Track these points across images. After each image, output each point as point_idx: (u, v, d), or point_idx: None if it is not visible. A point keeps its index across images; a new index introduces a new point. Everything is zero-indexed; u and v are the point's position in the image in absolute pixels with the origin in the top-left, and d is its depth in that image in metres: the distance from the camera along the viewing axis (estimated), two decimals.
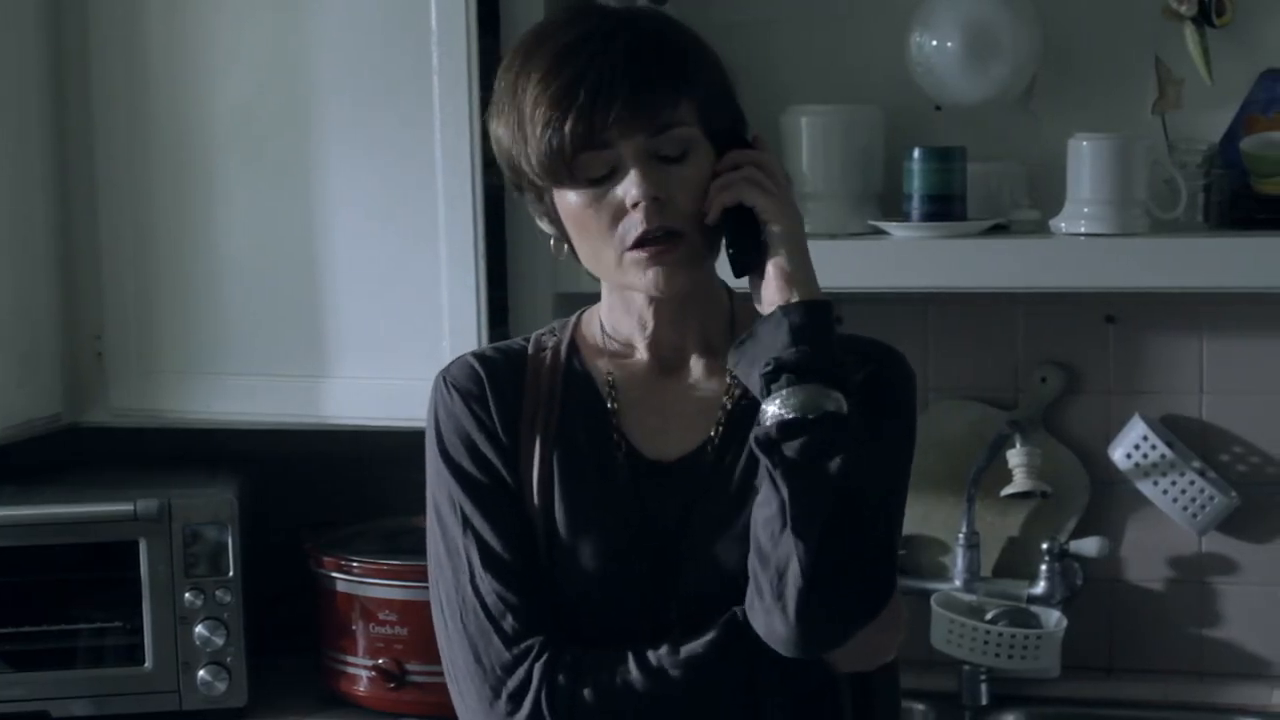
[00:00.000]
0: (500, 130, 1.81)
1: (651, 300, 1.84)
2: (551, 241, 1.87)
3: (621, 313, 1.89)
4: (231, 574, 2.77)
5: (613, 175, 1.77)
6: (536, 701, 1.78)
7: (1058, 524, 2.92)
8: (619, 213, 1.77)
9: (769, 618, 1.73)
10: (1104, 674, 2.93)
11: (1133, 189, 2.66)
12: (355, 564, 2.80)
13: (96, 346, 2.91)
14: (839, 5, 2.93)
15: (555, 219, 1.84)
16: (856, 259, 2.73)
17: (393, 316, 2.74)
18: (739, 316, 1.89)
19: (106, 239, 2.87)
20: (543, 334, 1.95)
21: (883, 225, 2.76)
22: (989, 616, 2.83)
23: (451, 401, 1.89)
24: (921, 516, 2.98)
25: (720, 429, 1.85)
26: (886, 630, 1.80)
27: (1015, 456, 2.85)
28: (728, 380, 1.85)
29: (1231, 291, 2.74)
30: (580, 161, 1.75)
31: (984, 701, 2.88)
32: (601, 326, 1.92)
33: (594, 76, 1.73)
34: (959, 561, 2.90)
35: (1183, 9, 2.71)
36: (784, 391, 1.70)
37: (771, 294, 1.77)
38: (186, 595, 2.75)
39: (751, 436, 1.73)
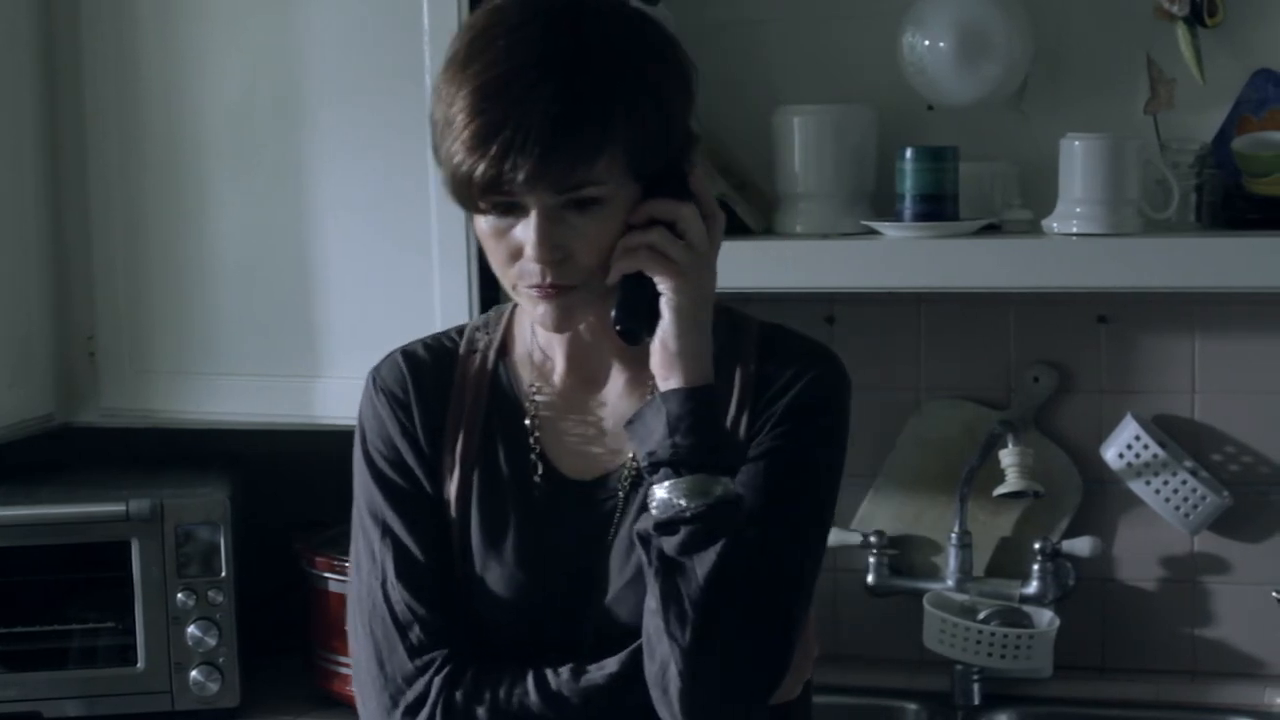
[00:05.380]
0: (435, 115, 1.74)
1: None
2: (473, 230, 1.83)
3: None
4: (224, 574, 2.77)
5: (517, 211, 1.72)
6: (431, 716, 1.78)
7: (1050, 524, 2.92)
8: (518, 252, 1.73)
9: (659, 707, 1.71)
10: (1096, 674, 2.93)
11: (1125, 189, 2.66)
12: (347, 564, 2.79)
13: (89, 347, 2.91)
14: (831, 5, 2.93)
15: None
16: (848, 259, 2.73)
17: (385, 316, 2.74)
18: None
19: (99, 240, 2.87)
20: (477, 328, 1.91)
21: (875, 225, 2.76)
22: (981, 616, 2.83)
23: (377, 403, 1.87)
24: (914, 516, 2.98)
25: (635, 455, 1.79)
26: (795, 671, 1.78)
27: (1007, 456, 2.85)
28: (648, 396, 1.80)
29: (1224, 291, 2.74)
30: (485, 198, 1.71)
31: (976, 701, 2.88)
32: (532, 327, 1.88)
33: (510, 129, 1.65)
34: (951, 561, 2.90)
35: (1174, 9, 2.71)
36: (666, 484, 1.69)
37: (655, 371, 1.74)
38: (179, 595, 2.75)
39: (634, 530, 1.72)
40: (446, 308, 2.68)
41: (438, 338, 1.92)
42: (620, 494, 1.82)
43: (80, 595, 2.80)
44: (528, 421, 1.85)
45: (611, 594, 1.79)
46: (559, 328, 1.77)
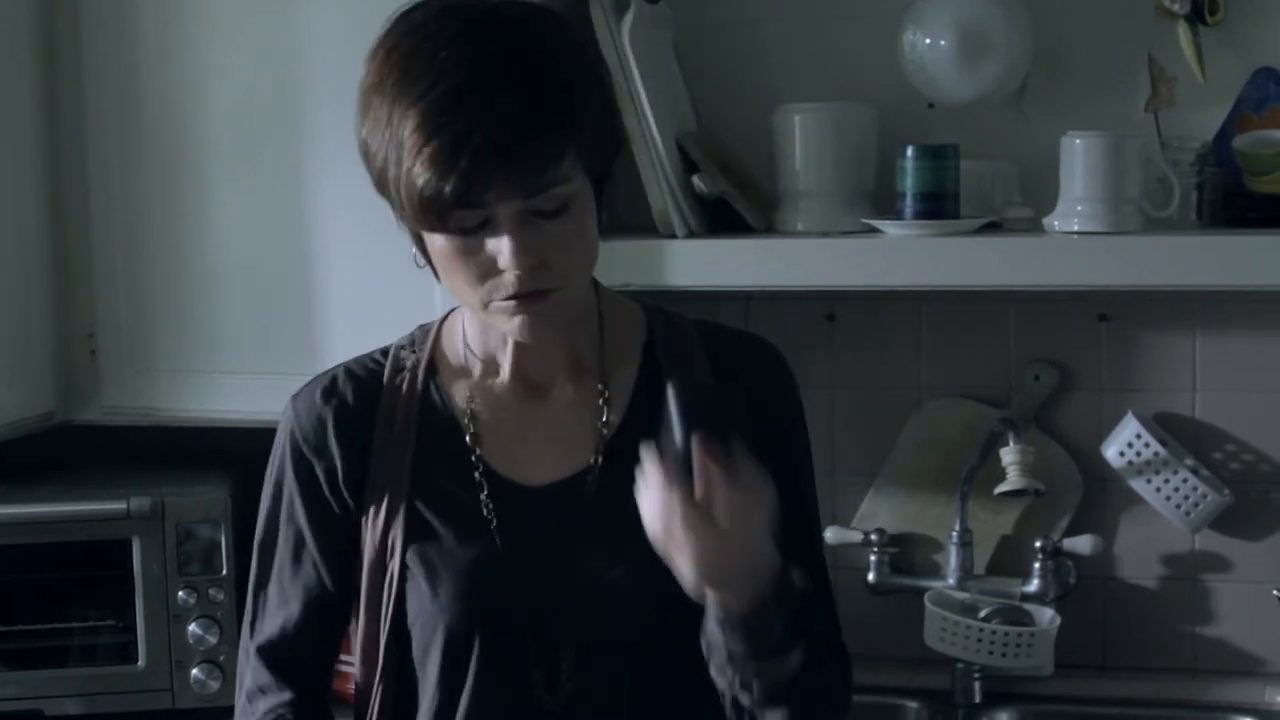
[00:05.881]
0: (372, 144, 1.72)
1: None
2: (414, 253, 1.80)
3: (484, 328, 1.83)
4: (224, 572, 2.77)
5: (485, 226, 1.68)
6: None
7: (1051, 522, 2.92)
8: (489, 268, 1.70)
9: None
10: (1097, 672, 2.93)
11: (1125, 187, 2.66)
12: None
13: (89, 345, 2.91)
14: (832, 4, 2.92)
15: (419, 241, 1.77)
16: (849, 257, 2.72)
17: (385, 315, 2.71)
18: (607, 318, 1.86)
19: (99, 238, 2.87)
20: (403, 347, 1.89)
21: (875, 223, 2.76)
22: (982, 614, 2.83)
23: (289, 443, 1.87)
24: (914, 514, 2.98)
25: (599, 458, 1.81)
26: None
27: (1008, 454, 2.85)
28: (599, 402, 1.81)
29: (1225, 290, 2.74)
30: (454, 215, 1.67)
31: (977, 699, 2.88)
32: (464, 338, 1.86)
33: (478, 140, 1.62)
34: (952, 559, 2.90)
35: (1175, 7, 2.70)
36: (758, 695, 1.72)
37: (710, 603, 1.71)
38: (179, 594, 2.75)
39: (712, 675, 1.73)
40: (447, 306, 2.68)
41: (361, 361, 1.90)
42: (582, 503, 1.80)
43: (81, 593, 2.80)
44: (467, 438, 1.83)
45: (582, 597, 1.79)
46: (536, 336, 1.74)
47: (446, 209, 1.66)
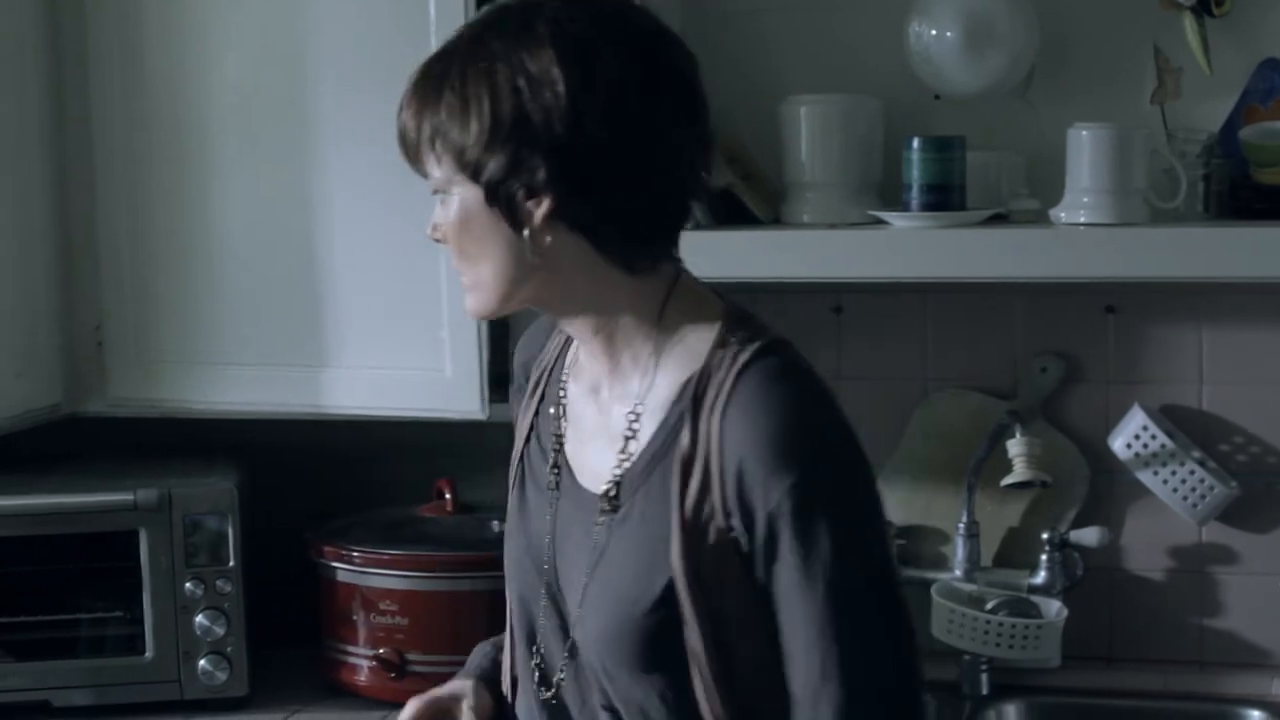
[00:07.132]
0: None
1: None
2: None
3: None
4: (232, 564, 2.77)
5: None
6: None
7: (1058, 514, 2.92)
8: None
9: None
10: (1104, 664, 2.93)
11: (1132, 179, 2.66)
12: (355, 553, 2.80)
13: (96, 336, 2.91)
14: None
15: None
16: (855, 249, 2.72)
17: (392, 306, 2.74)
18: (666, 332, 1.76)
19: (105, 229, 2.88)
20: None
21: (882, 215, 2.76)
22: (989, 606, 2.83)
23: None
24: (922, 507, 2.98)
25: (614, 488, 1.76)
26: None
27: (1015, 446, 2.85)
28: (627, 428, 1.76)
29: (1231, 281, 2.74)
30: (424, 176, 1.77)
31: (984, 691, 2.88)
32: None
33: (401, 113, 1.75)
34: (959, 551, 2.90)
35: None
36: None
37: None
38: (187, 585, 2.76)
39: None
40: (453, 296, 2.68)
41: None
42: (605, 520, 1.77)
43: (88, 585, 2.81)
44: (561, 421, 1.85)
45: (585, 609, 1.78)
46: (469, 311, 1.79)
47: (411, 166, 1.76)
